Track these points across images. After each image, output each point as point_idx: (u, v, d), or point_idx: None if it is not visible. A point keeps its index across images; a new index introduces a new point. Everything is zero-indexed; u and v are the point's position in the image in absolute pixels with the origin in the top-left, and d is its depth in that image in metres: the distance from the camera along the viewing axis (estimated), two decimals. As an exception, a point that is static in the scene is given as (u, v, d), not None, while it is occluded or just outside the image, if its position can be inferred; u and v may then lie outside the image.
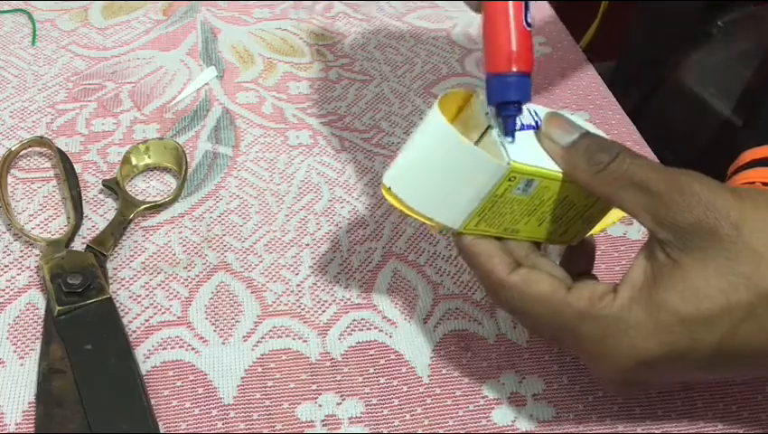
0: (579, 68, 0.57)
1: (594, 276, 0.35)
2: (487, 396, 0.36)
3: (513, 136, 0.31)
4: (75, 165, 0.45)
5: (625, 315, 0.28)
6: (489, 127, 0.31)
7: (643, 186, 0.29)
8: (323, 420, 0.35)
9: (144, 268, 0.41)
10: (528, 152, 0.31)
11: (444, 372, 0.37)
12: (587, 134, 0.31)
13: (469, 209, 0.31)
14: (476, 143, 0.31)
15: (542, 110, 0.33)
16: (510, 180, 0.30)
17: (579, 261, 0.35)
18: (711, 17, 0.73)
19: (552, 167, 0.31)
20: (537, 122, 0.32)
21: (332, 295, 0.40)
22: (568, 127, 0.31)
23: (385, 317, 0.39)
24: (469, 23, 0.60)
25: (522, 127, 0.32)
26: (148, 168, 0.46)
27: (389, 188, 0.31)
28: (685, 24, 0.74)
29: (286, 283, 0.41)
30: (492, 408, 0.36)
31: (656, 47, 0.78)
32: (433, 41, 0.58)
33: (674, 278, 0.28)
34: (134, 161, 0.46)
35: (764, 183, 0.48)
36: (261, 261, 0.42)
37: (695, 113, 0.70)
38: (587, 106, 0.53)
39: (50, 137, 0.47)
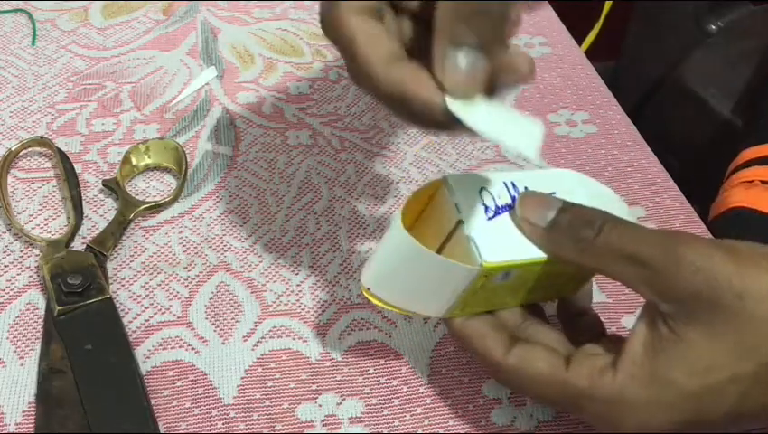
0: (579, 68, 0.57)
1: (602, 334, 0.33)
2: (487, 396, 0.36)
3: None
4: (75, 165, 0.45)
5: (627, 394, 0.27)
6: (459, 221, 0.29)
7: (637, 259, 0.27)
8: (323, 420, 0.35)
9: (144, 268, 0.41)
10: (504, 241, 0.29)
11: (444, 371, 0.37)
12: (565, 208, 0.29)
13: (449, 304, 0.30)
14: (447, 238, 0.30)
15: (520, 178, 0.31)
16: (485, 276, 0.29)
17: (586, 329, 0.33)
18: (711, 17, 0.73)
19: (532, 253, 0.30)
20: (514, 198, 0.31)
21: (332, 295, 0.40)
22: (545, 205, 0.29)
23: (385, 317, 0.39)
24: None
25: (498, 211, 0.30)
26: (148, 168, 0.46)
27: (368, 289, 0.31)
28: (685, 24, 0.74)
29: (286, 283, 0.41)
30: (492, 408, 0.36)
31: (656, 47, 0.78)
32: (433, 41, 0.58)
33: (678, 353, 0.27)
34: (134, 161, 0.46)
35: (763, 181, 0.48)
36: (261, 261, 0.42)
37: (695, 113, 0.70)
38: (587, 106, 0.53)
39: (50, 137, 0.47)
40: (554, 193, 0.31)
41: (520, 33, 0.59)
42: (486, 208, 0.30)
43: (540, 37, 0.59)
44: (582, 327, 0.33)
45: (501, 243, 0.29)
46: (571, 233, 0.29)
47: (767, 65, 0.66)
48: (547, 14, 0.62)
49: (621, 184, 0.48)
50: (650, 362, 0.27)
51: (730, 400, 0.27)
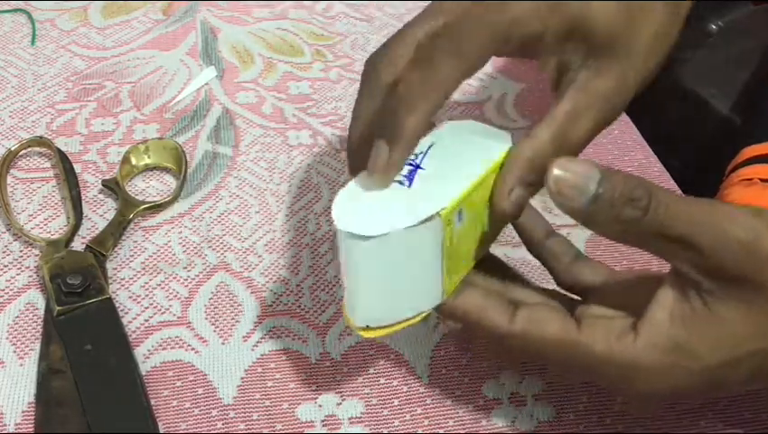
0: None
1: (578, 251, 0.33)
2: (487, 396, 0.36)
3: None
4: (75, 165, 0.45)
5: (647, 359, 0.27)
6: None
7: (685, 241, 0.26)
8: (323, 421, 0.35)
9: (143, 269, 0.41)
10: (435, 191, 0.28)
11: (444, 372, 0.37)
12: (605, 179, 0.26)
13: (438, 279, 0.29)
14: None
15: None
16: (447, 224, 0.28)
17: (562, 250, 0.34)
18: (711, 17, 0.73)
19: (464, 182, 0.29)
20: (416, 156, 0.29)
21: (332, 295, 0.40)
22: (582, 177, 0.26)
23: (385, 317, 0.39)
24: (469, 22, 0.60)
25: (410, 177, 0.29)
26: (148, 168, 0.46)
27: (367, 326, 0.29)
28: (685, 24, 0.74)
29: (286, 283, 0.41)
30: (492, 408, 0.36)
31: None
32: (433, 41, 0.58)
33: (709, 328, 0.27)
34: (133, 161, 0.46)
35: (763, 180, 0.48)
36: (261, 261, 0.42)
37: (695, 113, 0.70)
38: (587, 106, 0.53)
39: (49, 137, 0.47)
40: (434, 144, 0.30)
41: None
42: (401, 183, 0.29)
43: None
44: (557, 250, 0.33)
45: (434, 194, 0.28)
46: (615, 212, 0.26)
47: (767, 65, 0.66)
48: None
49: (621, 184, 0.48)
50: (676, 332, 0.27)
51: (746, 370, 0.27)
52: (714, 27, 0.73)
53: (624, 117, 0.53)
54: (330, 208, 0.45)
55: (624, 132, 0.51)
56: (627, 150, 0.50)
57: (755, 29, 0.72)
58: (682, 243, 0.26)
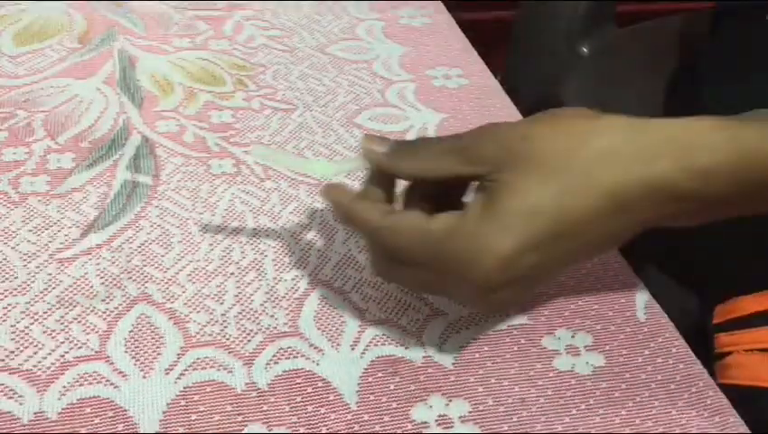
0: (494, 97, 0.59)
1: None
2: (415, 420, 0.36)
3: None
4: (-17, 196, 0.43)
5: (478, 224, 0.34)
6: None
7: (453, 150, 0.35)
8: (249, 452, 0.34)
9: (58, 302, 0.39)
10: None
11: (371, 398, 0.37)
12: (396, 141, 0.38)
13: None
14: None
15: None
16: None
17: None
18: (582, 41, 0.78)
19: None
20: None
21: (258, 324, 0.40)
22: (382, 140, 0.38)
23: (312, 345, 0.39)
24: (389, 55, 0.61)
25: None
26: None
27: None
28: (559, 47, 0.79)
29: (210, 313, 0.40)
30: (420, 432, 0.36)
31: (533, 68, 0.82)
32: (355, 72, 0.59)
33: (505, 191, 0.34)
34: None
35: None
36: (184, 291, 0.41)
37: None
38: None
39: (-45, 167, 0.45)
40: None
41: (437, 66, 0.61)
42: None
43: (457, 69, 0.61)
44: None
45: None
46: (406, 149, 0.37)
47: (638, 82, 0.72)
48: (462, 46, 0.64)
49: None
50: (488, 203, 0.34)
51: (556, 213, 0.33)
52: (585, 49, 0.79)
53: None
54: (254, 237, 0.45)
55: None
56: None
57: (623, 50, 0.79)
58: (451, 151, 0.35)
